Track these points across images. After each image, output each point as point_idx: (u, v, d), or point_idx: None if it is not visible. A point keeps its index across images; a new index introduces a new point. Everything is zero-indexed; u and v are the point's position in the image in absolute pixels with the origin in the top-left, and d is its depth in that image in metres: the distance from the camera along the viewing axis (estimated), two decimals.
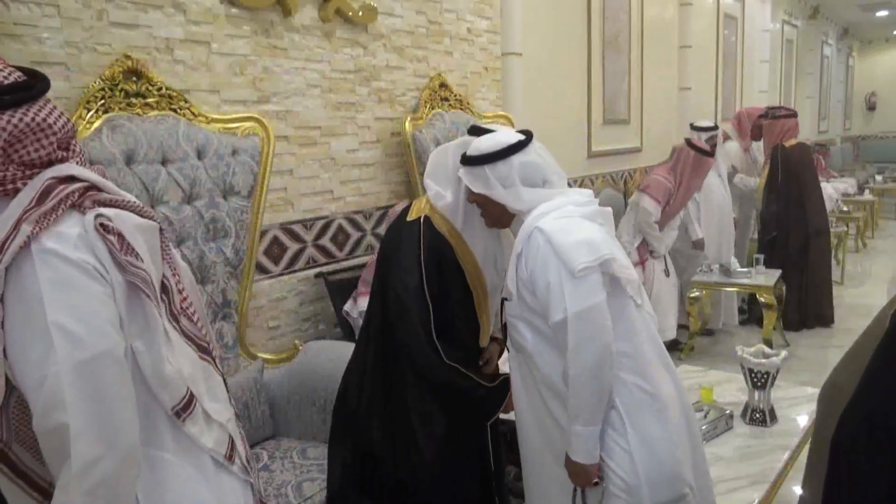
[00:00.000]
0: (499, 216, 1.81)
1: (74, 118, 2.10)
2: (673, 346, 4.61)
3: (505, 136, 1.76)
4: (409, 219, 1.93)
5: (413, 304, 1.84)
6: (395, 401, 1.91)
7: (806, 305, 5.06)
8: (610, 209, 1.80)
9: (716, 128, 4.84)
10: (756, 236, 5.63)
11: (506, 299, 1.70)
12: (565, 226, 1.63)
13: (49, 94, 2.15)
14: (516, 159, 1.71)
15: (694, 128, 4.83)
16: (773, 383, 2.41)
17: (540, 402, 1.72)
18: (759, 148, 5.72)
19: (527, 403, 1.78)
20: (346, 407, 2.01)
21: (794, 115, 5.26)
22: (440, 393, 1.89)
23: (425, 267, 1.85)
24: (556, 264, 1.57)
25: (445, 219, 1.90)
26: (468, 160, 1.76)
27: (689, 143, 4.25)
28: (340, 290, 2.92)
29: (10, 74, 1.04)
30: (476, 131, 1.89)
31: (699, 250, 4.70)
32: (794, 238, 5.02)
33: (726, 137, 5.45)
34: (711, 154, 4.18)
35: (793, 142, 5.05)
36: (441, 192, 1.90)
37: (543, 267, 1.59)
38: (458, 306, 1.92)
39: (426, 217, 1.90)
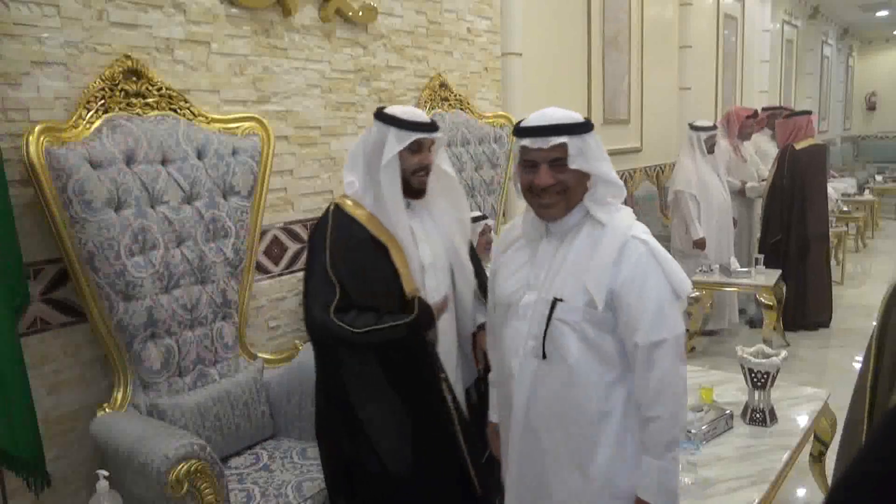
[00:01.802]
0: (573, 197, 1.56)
1: (74, 118, 2.10)
2: None
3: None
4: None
5: (319, 284, 1.90)
6: (346, 399, 1.95)
7: (804, 308, 5.05)
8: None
9: (714, 127, 4.84)
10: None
11: (560, 300, 1.51)
12: (655, 241, 1.53)
13: (49, 94, 2.17)
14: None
15: (693, 127, 4.83)
16: (773, 383, 2.41)
17: (572, 422, 1.54)
18: (757, 147, 5.73)
19: (556, 423, 1.56)
20: (318, 417, 2.06)
21: (804, 113, 5.23)
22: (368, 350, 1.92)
23: (330, 247, 1.91)
24: (660, 281, 1.47)
25: (358, 203, 1.98)
26: (581, 127, 1.53)
27: None
28: None
29: None
30: (380, 116, 1.95)
31: (700, 250, 4.70)
32: (794, 242, 5.01)
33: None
34: None
35: (805, 143, 4.98)
36: (353, 181, 2.00)
37: (643, 280, 1.46)
38: (378, 280, 1.94)
39: (335, 204, 2.01)
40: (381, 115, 1.96)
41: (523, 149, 1.54)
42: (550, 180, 1.51)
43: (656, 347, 1.44)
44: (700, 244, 4.70)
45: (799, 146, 4.97)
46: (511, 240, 1.70)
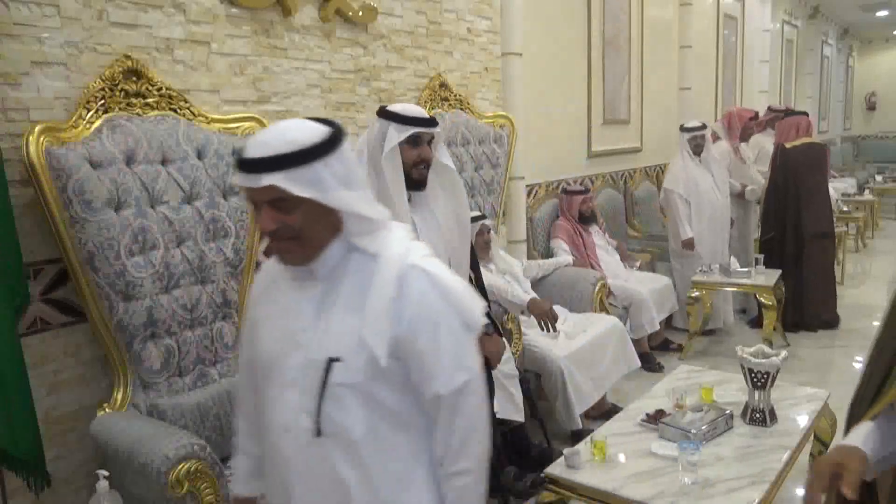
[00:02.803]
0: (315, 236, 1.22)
1: (74, 118, 2.10)
2: (664, 347, 4.62)
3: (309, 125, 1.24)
4: None
5: None
6: None
7: (802, 308, 5.03)
8: None
9: (703, 127, 4.83)
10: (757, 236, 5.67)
11: (336, 360, 1.20)
12: (438, 263, 1.27)
13: (49, 94, 2.17)
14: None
15: (681, 128, 4.86)
16: (773, 383, 2.41)
17: None
18: (761, 147, 5.74)
19: None
20: None
21: (796, 113, 5.23)
22: None
23: None
24: (449, 316, 1.22)
25: None
26: (304, 156, 1.17)
27: (563, 190, 4.49)
28: None
29: None
30: (381, 112, 2.08)
31: (689, 250, 4.72)
32: (790, 240, 5.00)
33: (715, 138, 5.43)
34: (584, 192, 4.43)
35: (798, 142, 4.98)
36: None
37: (431, 319, 1.20)
38: None
39: None
40: (382, 112, 2.10)
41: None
42: (272, 225, 1.18)
43: (461, 393, 1.22)
44: (688, 244, 4.72)
45: (789, 145, 4.95)
46: (269, 282, 1.34)
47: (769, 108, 6.26)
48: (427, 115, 2.11)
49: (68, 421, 2.17)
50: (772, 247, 5.01)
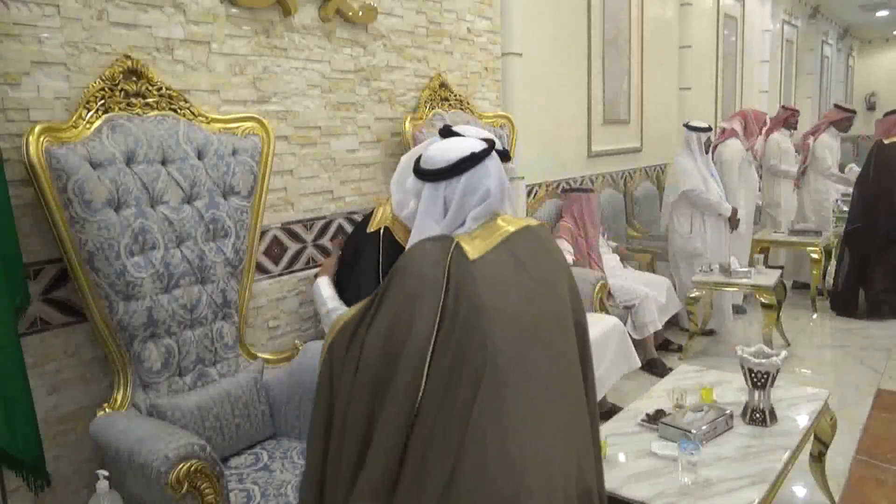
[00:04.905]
0: None
1: (74, 118, 2.10)
2: (664, 347, 4.61)
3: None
4: (369, 229, 1.83)
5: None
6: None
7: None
8: None
9: (709, 129, 4.83)
10: (757, 236, 5.70)
11: None
12: None
13: (49, 94, 2.17)
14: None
15: (692, 128, 4.83)
16: (773, 383, 2.41)
17: None
18: (777, 145, 5.90)
19: None
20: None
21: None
22: None
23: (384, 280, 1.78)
24: None
25: (408, 229, 1.67)
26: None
27: (579, 190, 4.49)
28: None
29: None
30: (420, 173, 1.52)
31: (734, 228, 4.81)
32: (869, 235, 5.14)
33: (732, 134, 5.45)
34: (592, 190, 4.45)
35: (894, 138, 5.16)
36: (404, 201, 1.65)
37: None
38: None
39: (386, 228, 1.81)
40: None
41: None
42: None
43: None
44: (735, 223, 4.81)
45: (888, 140, 5.14)
46: None
47: (837, 107, 6.15)
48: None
49: (68, 421, 2.17)
50: (854, 239, 5.19)
